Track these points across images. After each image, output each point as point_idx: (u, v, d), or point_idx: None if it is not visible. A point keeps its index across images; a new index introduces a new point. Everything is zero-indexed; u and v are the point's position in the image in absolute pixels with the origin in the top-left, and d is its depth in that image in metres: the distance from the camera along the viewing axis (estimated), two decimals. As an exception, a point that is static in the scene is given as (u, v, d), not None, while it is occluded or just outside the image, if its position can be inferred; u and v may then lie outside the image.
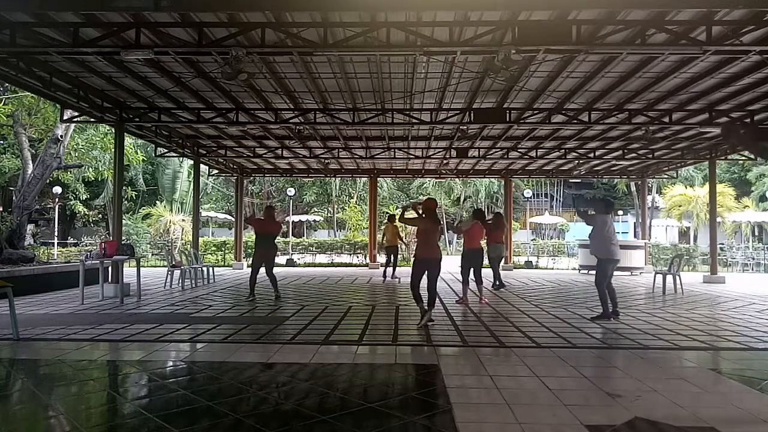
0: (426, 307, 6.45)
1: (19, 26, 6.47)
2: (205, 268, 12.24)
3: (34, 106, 14.62)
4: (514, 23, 6.33)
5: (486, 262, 9.91)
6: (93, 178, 21.67)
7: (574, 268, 17.86)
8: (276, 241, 9.61)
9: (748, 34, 6.45)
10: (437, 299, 9.16)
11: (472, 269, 8.89)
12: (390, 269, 13.17)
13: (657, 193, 31.25)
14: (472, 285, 9.01)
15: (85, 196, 23.32)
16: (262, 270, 9.02)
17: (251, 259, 9.47)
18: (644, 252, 16.89)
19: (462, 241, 9.46)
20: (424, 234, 6.65)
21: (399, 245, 13.53)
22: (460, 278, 9.08)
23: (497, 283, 10.88)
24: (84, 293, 8.58)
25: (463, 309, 8.10)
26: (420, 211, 6.73)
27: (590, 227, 7.28)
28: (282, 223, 10.27)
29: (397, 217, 8.68)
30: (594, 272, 7.69)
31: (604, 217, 7.18)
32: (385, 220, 14.72)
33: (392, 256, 13.15)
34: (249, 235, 23.74)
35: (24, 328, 5.94)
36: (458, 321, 6.96)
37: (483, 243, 9.50)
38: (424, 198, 7.76)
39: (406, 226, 13.72)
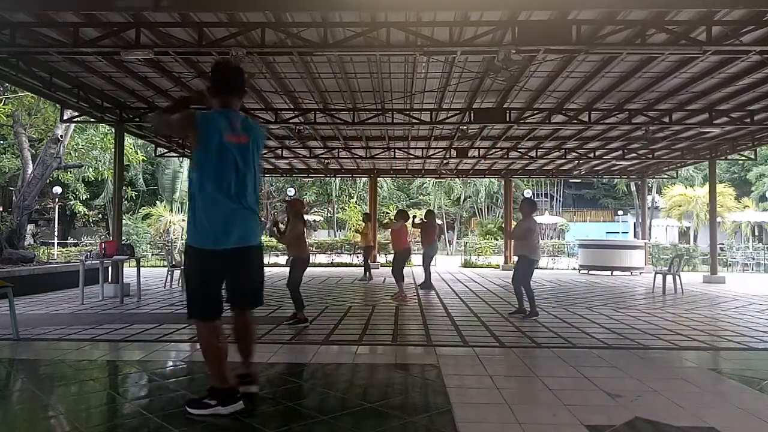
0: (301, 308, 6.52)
1: (19, 26, 6.47)
2: (205, 268, 12.21)
3: (34, 106, 14.63)
4: (514, 23, 6.34)
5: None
6: (93, 178, 21.67)
7: (573, 268, 17.86)
8: None
9: (748, 34, 6.45)
10: (435, 296, 9.18)
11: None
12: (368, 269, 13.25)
13: (657, 193, 31.25)
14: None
15: (85, 196, 23.33)
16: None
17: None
18: (644, 252, 16.89)
19: (391, 242, 9.76)
20: (295, 234, 6.62)
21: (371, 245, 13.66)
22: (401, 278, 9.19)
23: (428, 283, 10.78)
24: (84, 293, 8.57)
25: (460, 307, 8.10)
26: (286, 217, 6.85)
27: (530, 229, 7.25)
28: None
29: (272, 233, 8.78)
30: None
31: (534, 219, 7.27)
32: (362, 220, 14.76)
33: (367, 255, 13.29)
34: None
35: (24, 328, 5.94)
36: (458, 321, 6.96)
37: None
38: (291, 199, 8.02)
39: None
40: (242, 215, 3.08)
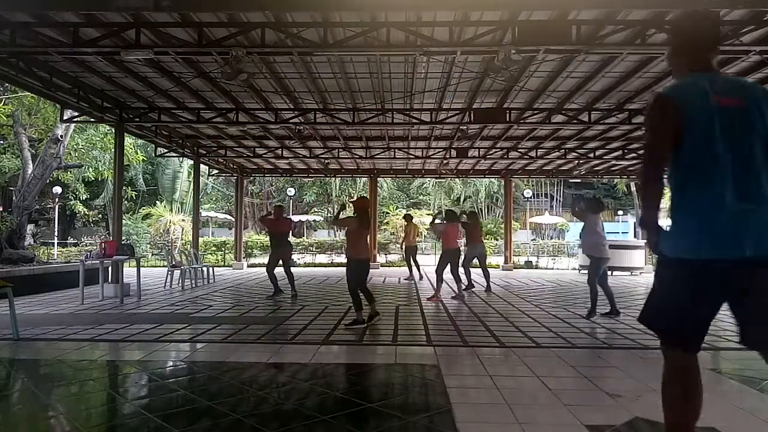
0: (363, 308, 6.52)
1: (19, 26, 6.48)
2: (205, 268, 12.25)
3: (34, 106, 14.64)
4: (514, 23, 6.34)
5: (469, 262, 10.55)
6: (93, 178, 21.70)
7: (574, 268, 17.85)
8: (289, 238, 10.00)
9: (748, 34, 6.45)
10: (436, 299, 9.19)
11: (449, 266, 9.18)
12: (416, 270, 13.03)
13: (657, 193, 31.16)
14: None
15: (85, 196, 23.36)
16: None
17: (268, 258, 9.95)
18: (644, 252, 16.87)
19: (441, 241, 9.77)
20: (355, 234, 6.57)
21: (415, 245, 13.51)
22: (452, 276, 9.33)
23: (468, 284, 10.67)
24: (84, 293, 8.58)
25: (460, 307, 8.10)
26: (353, 211, 6.82)
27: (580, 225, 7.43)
28: (290, 221, 10.83)
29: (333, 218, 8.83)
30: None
31: (595, 217, 7.29)
32: (402, 220, 14.62)
33: (412, 256, 13.19)
34: (248, 235, 23.79)
35: (24, 328, 5.94)
36: (458, 321, 6.96)
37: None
38: (356, 197, 8.05)
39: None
40: (756, 210, 2.04)
